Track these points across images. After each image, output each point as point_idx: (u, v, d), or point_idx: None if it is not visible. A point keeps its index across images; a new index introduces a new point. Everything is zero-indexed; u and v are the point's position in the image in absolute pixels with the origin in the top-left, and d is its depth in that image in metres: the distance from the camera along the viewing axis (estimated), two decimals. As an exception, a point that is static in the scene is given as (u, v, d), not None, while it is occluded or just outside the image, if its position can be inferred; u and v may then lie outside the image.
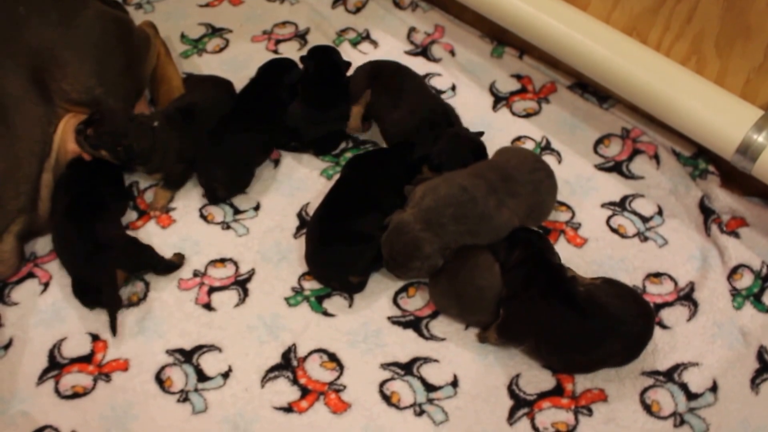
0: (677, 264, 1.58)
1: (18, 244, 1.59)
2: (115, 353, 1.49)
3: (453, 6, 2.02)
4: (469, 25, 2.03)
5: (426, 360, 1.48)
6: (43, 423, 1.41)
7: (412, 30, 2.03)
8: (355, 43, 2.00)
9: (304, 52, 1.88)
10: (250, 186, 1.72)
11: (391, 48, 1.99)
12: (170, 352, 1.49)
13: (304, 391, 1.44)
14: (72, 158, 1.66)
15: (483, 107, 1.85)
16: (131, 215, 1.69)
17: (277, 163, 1.77)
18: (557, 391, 1.43)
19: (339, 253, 1.54)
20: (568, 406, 1.41)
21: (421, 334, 1.51)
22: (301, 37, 2.03)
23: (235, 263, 1.62)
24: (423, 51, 1.98)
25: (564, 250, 1.57)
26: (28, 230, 1.61)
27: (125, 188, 1.72)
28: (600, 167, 1.74)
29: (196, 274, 1.60)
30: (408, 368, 1.47)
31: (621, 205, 1.68)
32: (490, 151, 1.67)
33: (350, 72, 1.83)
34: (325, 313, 1.54)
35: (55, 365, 1.48)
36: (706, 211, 1.65)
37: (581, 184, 1.71)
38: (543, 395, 1.42)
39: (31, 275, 1.61)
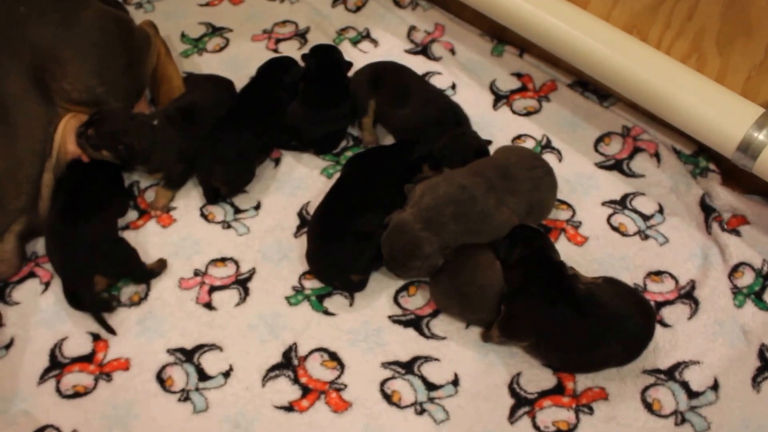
0: (678, 262, 1.58)
1: (19, 243, 1.60)
2: (116, 353, 1.50)
3: (453, 4, 2.02)
4: (469, 23, 2.03)
5: (427, 359, 1.48)
6: (44, 422, 1.42)
7: (412, 29, 2.02)
8: (355, 42, 2.00)
9: (304, 51, 1.88)
10: (251, 185, 1.72)
11: (391, 47, 1.99)
12: (171, 352, 1.49)
13: (305, 390, 1.44)
14: (72, 159, 1.66)
15: (483, 106, 1.85)
16: (132, 215, 1.69)
17: (277, 162, 1.77)
18: (558, 389, 1.43)
19: (340, 251, 1.54)
20: (569, 405, 1.41)
21: (421, 333, 1.51)
22: (302, 36, 2.03)
23: (236, 262, 1.62)
24: (423, 50, 1.98)
25: (565, 249, 1.57)
26: (29, 230, 1.61)
27: (125, 188, 1.72)
28: (600, 165, 1.74)
29: (196, 273, 1.60)
30: (409, 367, 1.47)
31: (622, 203, 1.68)
32: (491, 151, 1.67)
33: (351, 72, 1.84)
34: (326, 312, 1.54)
35: (57, 365, 1.49)
36: (707, 209, 1.64)
37: (582, 183, 1.71)
38: (544, 394, 1.42)
39: (32, 275, 1.61)
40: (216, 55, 1.99)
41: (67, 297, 1.54)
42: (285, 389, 1.45)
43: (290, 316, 1.54)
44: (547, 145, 1.78)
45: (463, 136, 1.67)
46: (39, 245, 1.64)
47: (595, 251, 1.60)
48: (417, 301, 1.55)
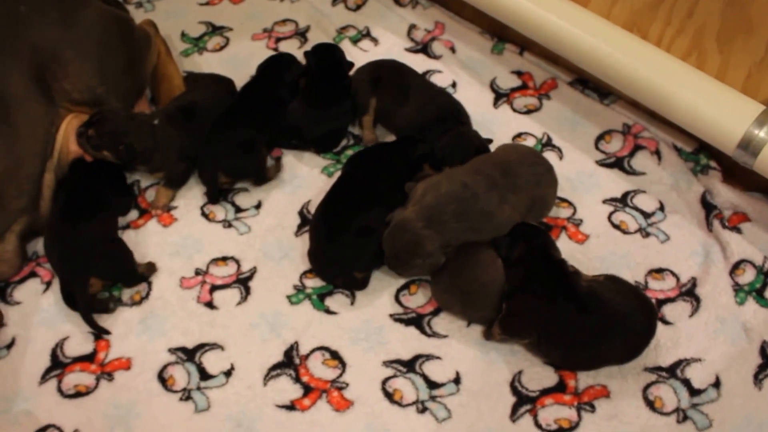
0: (679, 260, 1.58)
1: (20, 243, 1.60)
2: (117, 352, 1.50)
3: (453, 3, 2.02)
4: (470, 21, 2.03)
5: (428, 357, 1.48)
6: (46, 422, 1.42)
7: (412, 27, 2.02)
8: (355, 41, 2.00)
9: (304, 49, 1.88)
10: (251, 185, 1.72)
11: (391, 45, 1.99)
12: (172, 351, 1.49)
13: (307, 389, 1.44)
14: (74, 159, 1.66)
15: (484, 104, 1.85)
16: (133, 214, 1.69)
17: (278, 160, 1.77)
18: (560, 387, 1.43)
19: (343, 249, 1.54)
20: (571, 403, 1.41)
21: (423, 332, 1.51)
22: (302, 35, 2.03)
23: (237, 261, 1.62)
24: (423, 48, 1.98)
25: (566, 247, 1.56)
26: (30, 230, 1.61)
27: (128, 187, 1.72)
28: (601, 163, 1.74)
29: (197, 272, 1.60)
30: (410, 365, 1.47)
31: (622, 201, 1.68)
32: (492, 149, 1.67)
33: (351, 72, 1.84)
34: (327, 311, 1.54)
35: (58, 364, 1.49)
36: (708, 206, 1.64)
37: (582, 181, 1.71)
38: (545, 392, 1.42)
39: (33, 274, 1.61)
40: (216, 54, 1.99)
41: (63, 297, 1.54)
42: (286, 388, 1.45)
43: (291, 315, 1.53)
44: (548, 143, 1.78)
45: (463, 134, 1.67)
46: (40, 245, 1.64)
47: (596, 249, 1.60)
48: (418, 299, 1.55)
